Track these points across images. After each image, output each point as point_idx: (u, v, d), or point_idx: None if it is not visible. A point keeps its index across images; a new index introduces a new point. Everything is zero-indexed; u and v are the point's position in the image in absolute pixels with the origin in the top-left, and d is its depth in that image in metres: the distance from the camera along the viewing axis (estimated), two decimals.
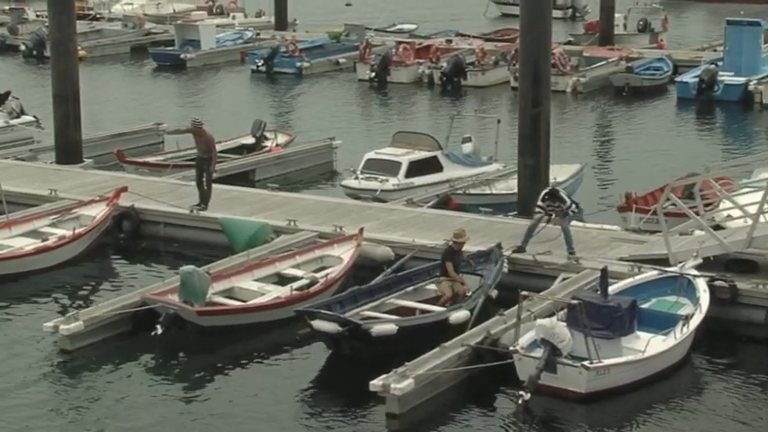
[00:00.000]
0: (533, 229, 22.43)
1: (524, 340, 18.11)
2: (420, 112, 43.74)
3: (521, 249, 22.25)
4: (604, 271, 19.24)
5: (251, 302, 20.89)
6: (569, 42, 54.45)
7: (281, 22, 62.06)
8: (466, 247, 21.48)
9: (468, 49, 50.66)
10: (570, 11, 71.92)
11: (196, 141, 25.95)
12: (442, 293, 20.74)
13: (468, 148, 30.10)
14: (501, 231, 23.53)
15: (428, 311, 20.34)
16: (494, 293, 20.78)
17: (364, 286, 21.00)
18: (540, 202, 22.39)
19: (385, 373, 17.18)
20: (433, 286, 21.24)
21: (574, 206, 22.51)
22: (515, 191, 26.17)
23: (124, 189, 25.90)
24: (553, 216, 22.36)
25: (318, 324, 19.16)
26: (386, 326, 19.18)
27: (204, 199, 25.61)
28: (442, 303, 20.57)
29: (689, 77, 44.55)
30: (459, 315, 19.76)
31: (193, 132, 25.85)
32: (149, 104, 44.10)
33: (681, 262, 20.89)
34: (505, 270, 21.61)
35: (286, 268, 22.42)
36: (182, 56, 53.33)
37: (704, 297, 19.84)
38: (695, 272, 20.61)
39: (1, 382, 18.44)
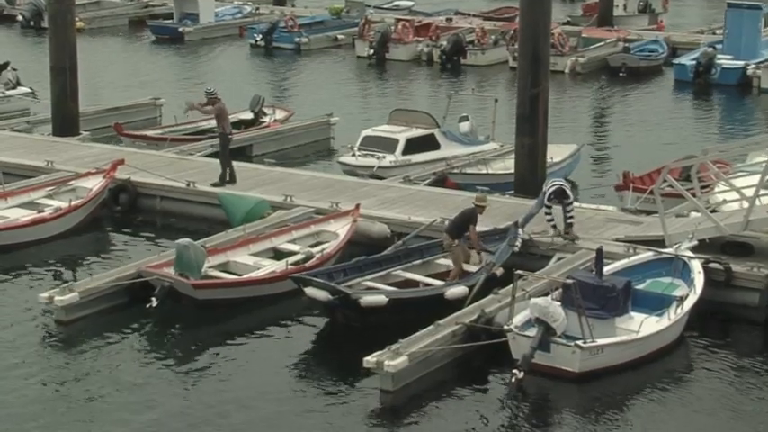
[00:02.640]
0: (532, 217, 22.34)
1: (519, 319, 18.16)
2: (418, 90, 43.67)
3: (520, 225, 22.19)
4: (599, 251, 19.25)
5: (246, 276, 20.92)
6: (568, 23, 54.33)
7: None
8: (483, 227, 21.52)
9: (468, 27, 50.56)
10: None
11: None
12: (456, 259, 20.61)
13: (465, 127, 30.08)
14: (497, 211, 23.50)
15: (429, 286, 20.37)
16: (499, 272, 20.65)
17: (371, 256, 21.03)
18: (546, 201, 21.99)
19: (379, 349, 17.23)
20: (442, 260, 21.24)
21: (573, 205, 22.26)
22: (512, 170, 26.18)
23: (121, 162, 25.89)
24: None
25: (310, 291, 19.32)
26: (375, 297, 19.26)
27: (231, 177, 25.47)
28: (454, 276, 20.54)
29: (687, 60, 44.48)
30: (455, 290, 19.77)
31: (208, 103, 25.74)
32: (147, 78, 43.98)
33: (676, 243, 20.92)
34: (516, 249, 21.49)
35: (282, 243, 22.44)
36: (180, 29, 53.12)
37: (699, 278, 19.88)
38: (690, 253, 20.65)
39: None
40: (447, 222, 21.65)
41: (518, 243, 21.61)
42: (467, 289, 19.85)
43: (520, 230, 21.81)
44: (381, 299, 19.23)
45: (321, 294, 19.27)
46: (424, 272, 21.16)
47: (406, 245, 21.87)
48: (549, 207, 22.00)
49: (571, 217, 21.98)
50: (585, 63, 45.81)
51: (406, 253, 21.48)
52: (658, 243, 21.17)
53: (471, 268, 20.85)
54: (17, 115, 34.06)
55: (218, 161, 26.27)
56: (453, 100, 32.34)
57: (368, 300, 19.15)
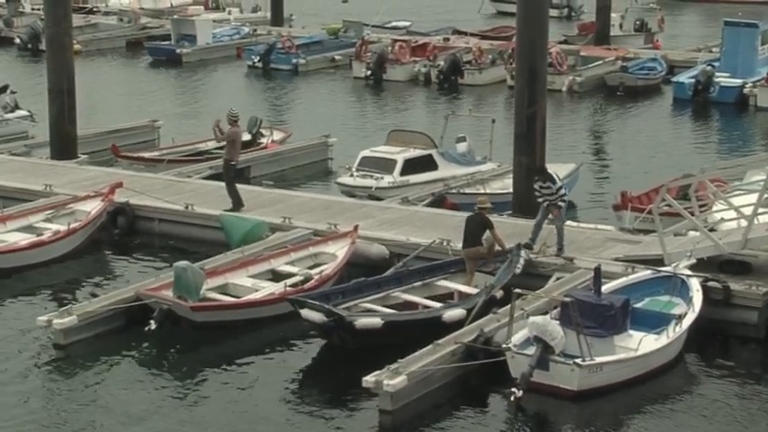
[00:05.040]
0: (540, 225, 22.35)
1: (517, 338, 18.15)
2: (416, 110, 43.72)
3: (529, 246, 22.19)
4: (598, 270, 19.26)
5: (245, 298, 20.92)
6: (564, 42, 54.46)
7: (277, 18, 62.05)
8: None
9: (465, 47, 50.66)
10: (566, 10, 71.94)
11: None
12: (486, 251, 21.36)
13: (462, 147, 30.11)
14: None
15: (428, 308, 20.31)
16: (499, 294, 20.56)
17: (371, 278, 20.98)
18: (534, 185, 22.38)
19: (378, 369, 17.21)
20: (443, 282, 21.26)
21: (563, 192, 22.32)
22: (510, 190, 26.20)
23: (119, 185, 25.89)
24: (547, 204, 22.25)
25: (306, 313, 19.29)
26: (370, 319, 19.21)
27: (237, 202, 25.40)
28: (490, 253, 21.22)
29: (685, 78, 44.55)
30: (452, 313, 19.70)
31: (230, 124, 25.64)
32: (144, 100, 44.07)
33: (675, 262, 20.92)
34: (518, 271, 21.41)
35: (280, 265, 22.42)
36: (177, 51, 53.21)
37: (697, 297, 19.88)
38: (689, 272, 20.65)
39: None
40: (462, 243, 21.64)
41: (520, 264, 21.58)
42: (464, 312, 19.76)
43: (522, 252, 21.80)
44: (377, 321, 19.17)
45: (316, 316, 19.22)
46: (423, 294, 21.08)
47: (407, 266, 21.85)
48: (536, 181, 22.43)
49: (552, 195, 22.12)
50: (583, 82, 45.87)
51: (406, 275, 21.41)
52: (657, 262, 21.17)
53: (471, 291, 20.84)
54: (16, 138, 34.07)
55: (214, 183, 26.24)
56: (451, 120, 32.35)
57: (363, 322, 19.09)
